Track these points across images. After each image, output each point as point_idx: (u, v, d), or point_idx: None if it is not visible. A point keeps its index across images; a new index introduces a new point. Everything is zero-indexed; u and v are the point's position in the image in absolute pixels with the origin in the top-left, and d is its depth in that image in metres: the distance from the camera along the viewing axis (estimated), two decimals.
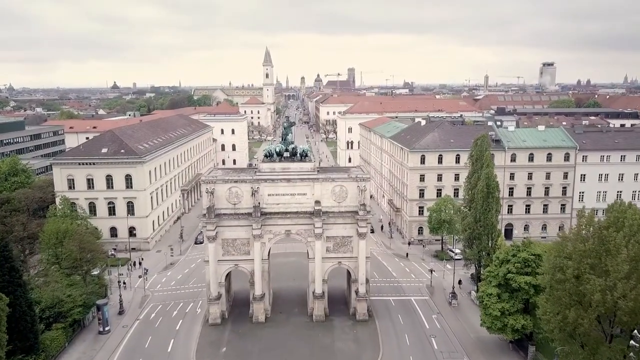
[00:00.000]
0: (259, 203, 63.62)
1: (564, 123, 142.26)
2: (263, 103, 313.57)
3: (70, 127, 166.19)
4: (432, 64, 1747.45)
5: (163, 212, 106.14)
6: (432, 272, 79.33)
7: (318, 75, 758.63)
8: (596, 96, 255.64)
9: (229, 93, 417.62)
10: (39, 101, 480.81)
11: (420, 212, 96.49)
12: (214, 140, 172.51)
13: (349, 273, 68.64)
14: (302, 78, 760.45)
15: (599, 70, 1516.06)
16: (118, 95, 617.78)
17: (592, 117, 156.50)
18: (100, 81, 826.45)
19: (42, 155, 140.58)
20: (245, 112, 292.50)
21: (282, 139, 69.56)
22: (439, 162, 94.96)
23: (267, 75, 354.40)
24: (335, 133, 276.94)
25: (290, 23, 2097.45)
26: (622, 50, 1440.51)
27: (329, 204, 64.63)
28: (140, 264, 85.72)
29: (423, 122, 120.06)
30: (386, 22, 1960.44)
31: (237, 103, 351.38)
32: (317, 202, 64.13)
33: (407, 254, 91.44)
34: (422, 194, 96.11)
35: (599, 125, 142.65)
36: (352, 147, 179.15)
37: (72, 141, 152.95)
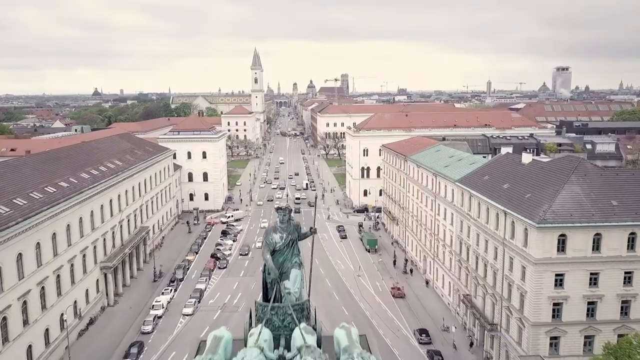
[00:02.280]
0: None
1: None
2: (251, 112, 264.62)
3: None
4: (422, 70, 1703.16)
5: (47, 332, 56.55)
6: None
7: (311, 82, 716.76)
8: None
9: (212, 100, 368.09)
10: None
11: (554, 345, 47.82)
12: (178, 167, 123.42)
13: None
14: (295, 84, 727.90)
15: (593, 77, 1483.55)
16: (99, 102, 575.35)
17: None
18: (90, 88, 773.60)
19: None
20: (229, 123, 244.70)
21: (260, 317, 19.25)
22: (594, 249, 46.47)
23: (255, 80, 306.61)
24: (338, 149, 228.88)
25: (281, 30, 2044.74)
26: (616, 57, 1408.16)
27: None
28: None
29: (507, 151, 72.88)
30: (376, 28, 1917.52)
31: (221, 112, 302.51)
32: None
33: None
34: (557, 313, 47.39)
35: None
36: (368, 176, 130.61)
37: None
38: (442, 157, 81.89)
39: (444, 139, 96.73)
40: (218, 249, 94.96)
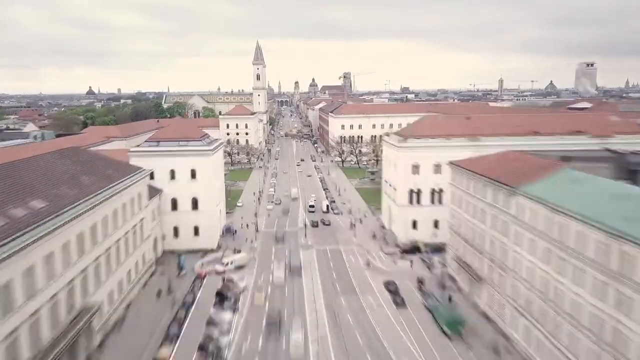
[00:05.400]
0: None
1: None
2: (253, 113, 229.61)
3: None
4: (424, 69, 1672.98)
5: None
6: None
7: (313, 80, 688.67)
8: None
9: (210, 99, 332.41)
10: None
11: None
12: (156, 192, 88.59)
13: None
14: (296, 83, 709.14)
15: (596, 76, 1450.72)
16: (92, 101, 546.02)
17: None
18: (87, 88, 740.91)
19: None
20: (228, 125, 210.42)
21: None
22: None
23: (257, 77, 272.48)
24: (356, 156, 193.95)
25: (281, 29, 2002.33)
26: (617, 55, 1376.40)
27: None
28: None
29: None
30: (376, 27, 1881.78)
31: (219, 113, 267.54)
32: None
33: None
34: None
35: None
36: (419, 202, 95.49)
37: None
38: (596, 194, 47.76)
39: (567, 158, 61.40)
40: (209, 336, 59.88)
